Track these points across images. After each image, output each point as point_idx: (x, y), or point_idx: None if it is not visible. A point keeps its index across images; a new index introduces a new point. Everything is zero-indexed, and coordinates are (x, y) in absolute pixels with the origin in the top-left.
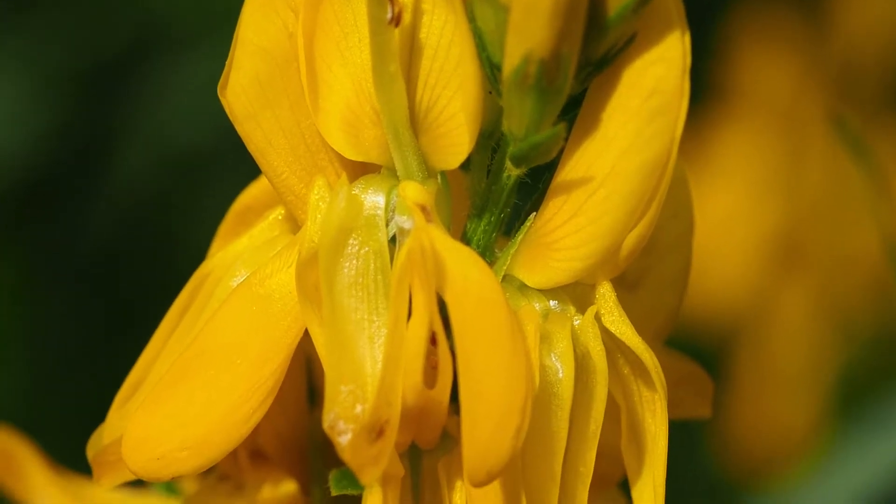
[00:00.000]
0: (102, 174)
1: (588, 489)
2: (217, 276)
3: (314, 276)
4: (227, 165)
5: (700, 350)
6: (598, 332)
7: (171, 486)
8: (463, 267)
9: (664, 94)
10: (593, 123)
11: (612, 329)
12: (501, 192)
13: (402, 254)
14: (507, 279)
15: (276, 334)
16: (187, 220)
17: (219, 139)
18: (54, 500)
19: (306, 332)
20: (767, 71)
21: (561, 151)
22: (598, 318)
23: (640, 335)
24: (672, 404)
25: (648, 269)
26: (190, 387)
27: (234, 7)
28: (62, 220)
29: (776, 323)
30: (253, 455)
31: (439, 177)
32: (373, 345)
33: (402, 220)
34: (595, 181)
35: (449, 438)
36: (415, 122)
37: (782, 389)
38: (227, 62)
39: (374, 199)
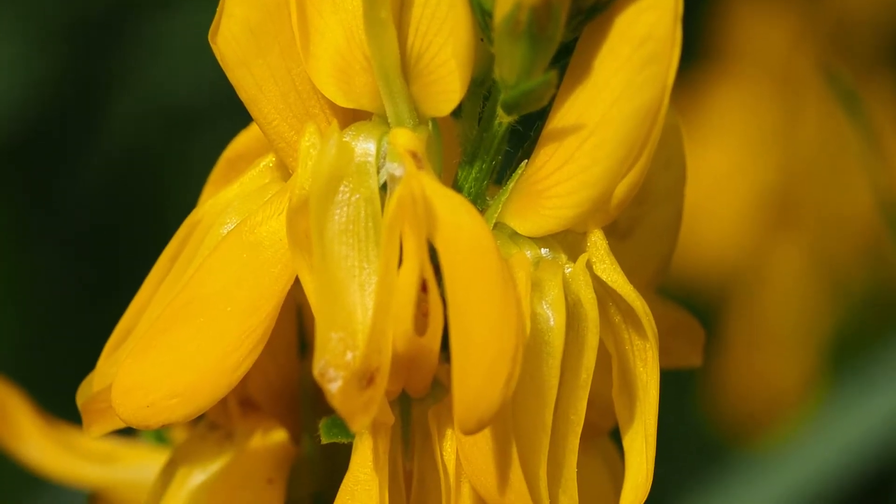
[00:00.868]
0: (95, 127)
1: (579, 438)
2: (207, 224)
3: (305, 224)
4: (221, 118)
5: (693, 307)
6: (590, 280)
7: (160, 435)
8: (454, 214)
9: (656, 41)
10: (585, 71)
11: (604, 277)
12: (493, 139)
13: (392, 201)
14: (498, 227)
15: (267, 282)
16: (180, 173)
17: (213, 91)
18: (44, 449)
19: (297, 281)
20: (762, 28)
21: (552, 99)
22: (589, 266)
23: (631, 284)
24: (663, 353)
25: (640, 218)
26: (179, 334)
27: None
28: (54, 174)
29: (769, 280)
30: (243, 403)
31: (430, 124)
32: (363, 292)
33: (393, 167)
34: (586, 129)
35: (439, 387)
36: (406, 68)
37: (775, 347)
38: (217, 9)
39: (364, 146)
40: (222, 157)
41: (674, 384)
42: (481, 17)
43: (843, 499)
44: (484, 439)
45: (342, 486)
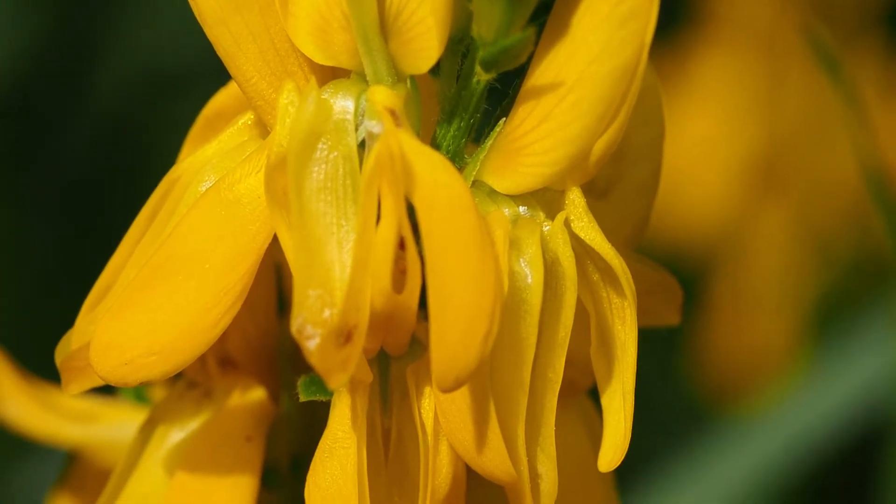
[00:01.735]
0: (81, 91)
1: (557, 396)
2: (186, 181)
3: (283, 181)
4: (207, 81)
5: (679, 272)
6: (568, 238)
7: (139, 393)
8: (432, 171)
9: None
10: (563, 28)
11: (582, 235)
12: (471, 97)
13: (370, 158)
14: (476, 185)
15: (245, 239)
16: (167, 136)
17: (199, 54)
18: (22, 407)
19: (275, 239)
20: None
21: (531, 57)
22: (567, 223)
23: (609, 242)
24: (642, 312)
25: (618, 177)
26: (158, 292)
27: None
28: (40, 137)
29: (754, 245)
30: (222, 362)
31: (409, 81)
32: (341, 249)
33: (371, 125)
34: (564, 86)
35: (418, 345)
36: (384, 26)
37: (759, 311)
38: None
39: (343, 103)
40: (201, 115)
41: (659, 349)
42: None
43: (826, 462)
44: (462, 397)
45: (320, 444)
